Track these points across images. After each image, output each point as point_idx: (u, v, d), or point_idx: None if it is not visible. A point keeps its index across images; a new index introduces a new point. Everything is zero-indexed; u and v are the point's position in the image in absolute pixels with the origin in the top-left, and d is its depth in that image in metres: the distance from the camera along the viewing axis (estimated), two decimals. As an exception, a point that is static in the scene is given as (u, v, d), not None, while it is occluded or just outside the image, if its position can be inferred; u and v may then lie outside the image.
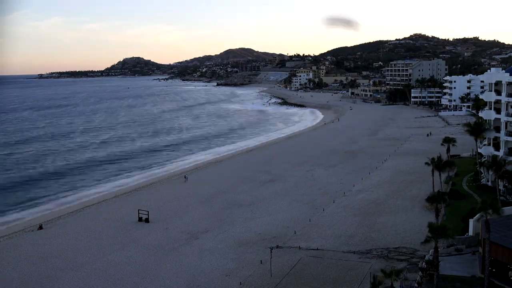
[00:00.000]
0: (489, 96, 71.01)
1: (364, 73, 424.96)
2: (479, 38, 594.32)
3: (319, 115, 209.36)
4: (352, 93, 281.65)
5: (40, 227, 64.79)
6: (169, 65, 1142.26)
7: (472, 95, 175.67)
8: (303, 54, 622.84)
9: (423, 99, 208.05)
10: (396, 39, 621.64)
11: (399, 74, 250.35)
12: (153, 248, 55.24)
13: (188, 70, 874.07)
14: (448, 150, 78.11)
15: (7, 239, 61.16)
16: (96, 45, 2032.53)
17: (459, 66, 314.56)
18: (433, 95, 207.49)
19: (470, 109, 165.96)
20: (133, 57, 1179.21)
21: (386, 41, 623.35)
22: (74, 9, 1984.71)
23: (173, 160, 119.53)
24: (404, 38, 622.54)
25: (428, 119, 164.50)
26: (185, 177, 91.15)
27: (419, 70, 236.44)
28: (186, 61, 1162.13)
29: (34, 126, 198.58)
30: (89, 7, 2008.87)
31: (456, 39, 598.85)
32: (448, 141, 77.92)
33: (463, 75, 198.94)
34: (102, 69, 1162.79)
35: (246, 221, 63.49)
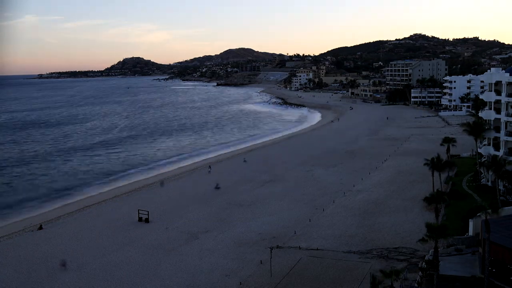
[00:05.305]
0: (489, 96, 71.01)
1: (364, 73, 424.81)
2: (479, 38, 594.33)
3: (319, 115, 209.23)
4: (352, 93, 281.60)
5: (40, 227, 64.79)
6: (169, 65, 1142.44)
7: (472, 95, 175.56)
8: (303, 54, 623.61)
9: (423, 99, 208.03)
10: (396, 39, 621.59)
11: (399, 74, 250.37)
12: (153, 248, 55.22)
13: (188, 70, 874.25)
14: (448, 150, 78.12)
15: (7, 239, 61.16)
16: (94, 45, 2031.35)
17: (459, 66, 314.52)
18: (433, 95, 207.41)
19: (470, 109, 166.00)
20: (133, 57, 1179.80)
21: (386, 41, 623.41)
22: (45, 8, 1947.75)
23: (174, 159, 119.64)
24: (404, 38, 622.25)
25: (428, 119, 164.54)
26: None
27: (419, 70, 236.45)
28: (186, 61, 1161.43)
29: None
30: (60, 6, 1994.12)
31: (456, 39, 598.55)
32: (448, 141, 77.95)
33: (463, 75, 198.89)
34: (102, 69, 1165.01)
35: (246, 221, 63.46)
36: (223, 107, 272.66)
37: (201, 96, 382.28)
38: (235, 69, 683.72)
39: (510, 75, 66.77)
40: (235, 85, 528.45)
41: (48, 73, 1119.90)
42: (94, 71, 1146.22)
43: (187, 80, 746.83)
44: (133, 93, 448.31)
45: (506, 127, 67.24)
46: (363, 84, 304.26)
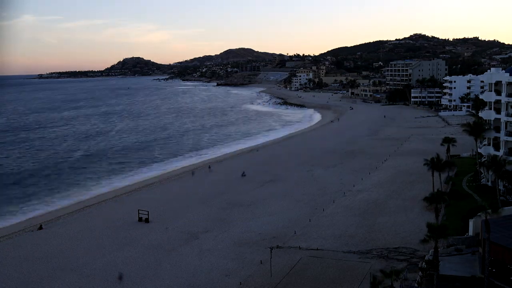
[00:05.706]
0: (489, 96, 71.01)
1: (364, 73, 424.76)
2: (479, 38, 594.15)
3: (319, 115, 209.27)
4: (352, 93, 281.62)
5: (40, 227, 64.80)
6: (169, 65, 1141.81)
7: (472, 95, 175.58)
8: (303, 54, 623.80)
9: (423, 99, 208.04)
10: (396, 39, 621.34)
11: (399, 74, 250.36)
12: (153, 248, 55.23)
13: (188, 70, 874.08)
14: (448, 150, 78.13)
15: (7, 239, 61.18)
16: (94, 45, 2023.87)
17: (459, 66, 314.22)
18: (433, 95, 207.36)
19: (470, 109, 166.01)
20: (133, 57, 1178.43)
21: (386, 41, 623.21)
22: (43, 8, 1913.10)
23: (174, 160, 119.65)
24: (404, 38, 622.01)
25: (428, 119, 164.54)
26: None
27: (419, 70, 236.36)
28: (186, 61, 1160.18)
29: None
30: (59, 6, 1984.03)
31: (456, 39, 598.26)
32: (448, 141, 77.96)
33: (463, 75, 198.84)
34: (102, 69, 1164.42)
35: (246, 221, 63.49)
36: (223, 108, 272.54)
37: (201, 97, 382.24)
38: (235, 69, 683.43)
39: (510, 75, 66.77)
40: (235, 85, 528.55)
41: (48, 73, 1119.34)
42: (94, 71, 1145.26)
43: (187, 80, 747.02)
44: (133, 94, 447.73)
45: (506, 127, 67.23)
46: (363, 84, 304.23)
